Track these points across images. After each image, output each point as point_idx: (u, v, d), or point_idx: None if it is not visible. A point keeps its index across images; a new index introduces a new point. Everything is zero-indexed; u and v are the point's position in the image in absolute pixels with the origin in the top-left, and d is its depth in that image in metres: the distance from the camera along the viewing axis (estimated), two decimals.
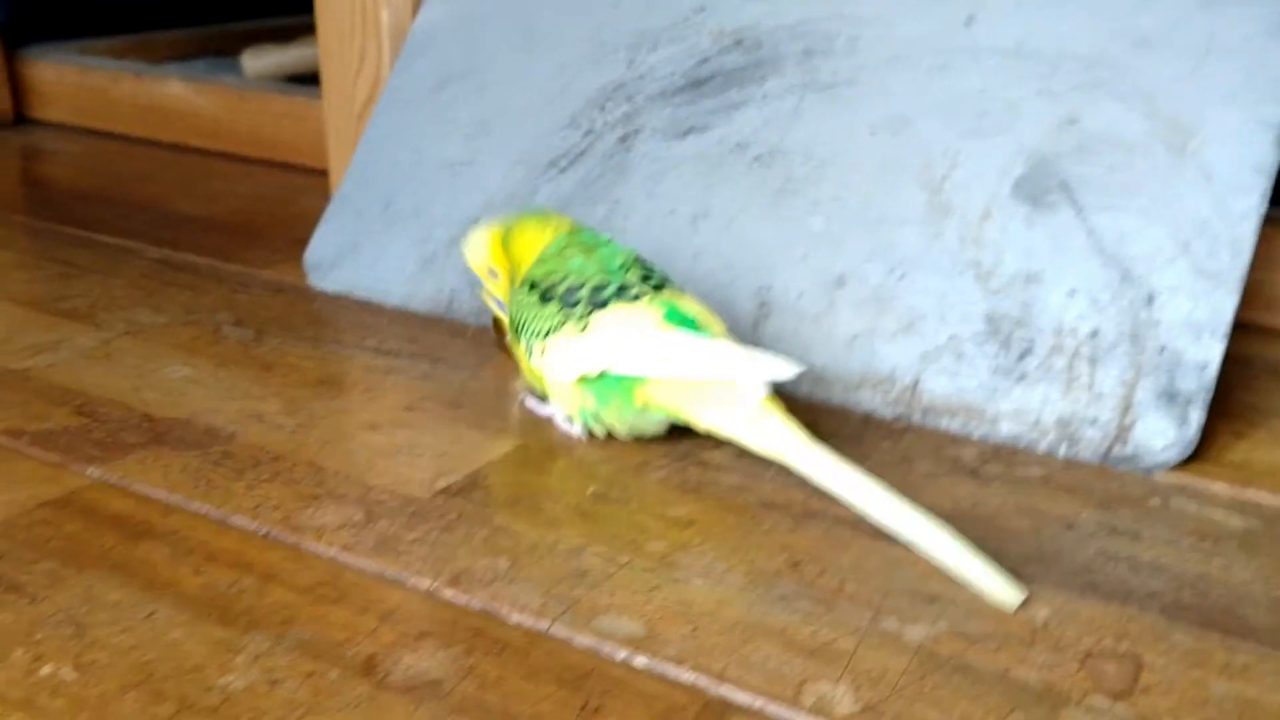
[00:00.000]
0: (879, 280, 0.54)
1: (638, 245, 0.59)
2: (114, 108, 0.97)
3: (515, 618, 0.37)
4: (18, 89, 1.02)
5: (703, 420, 0.45)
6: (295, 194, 0.83)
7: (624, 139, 0.63)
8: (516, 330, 0.49)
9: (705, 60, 0.63)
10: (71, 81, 0.99)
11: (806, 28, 0.61)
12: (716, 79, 0.62)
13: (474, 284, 0.61)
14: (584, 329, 0.46)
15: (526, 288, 0.49)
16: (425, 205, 0.65)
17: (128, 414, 0.50)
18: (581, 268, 0.48)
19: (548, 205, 0.62)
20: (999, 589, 0.38)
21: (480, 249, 0.52)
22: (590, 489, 0.45)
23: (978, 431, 0.49)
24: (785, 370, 0.43)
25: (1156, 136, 0.51)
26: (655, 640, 0.36)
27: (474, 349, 0.57)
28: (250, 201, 0.81)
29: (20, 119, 1.03)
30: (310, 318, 0.61)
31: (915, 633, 0.36)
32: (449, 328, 0.60)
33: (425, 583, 0.38)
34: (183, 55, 1.13)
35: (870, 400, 0.52)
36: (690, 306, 0.46)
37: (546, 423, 0.50)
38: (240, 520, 0.42)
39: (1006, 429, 0.49)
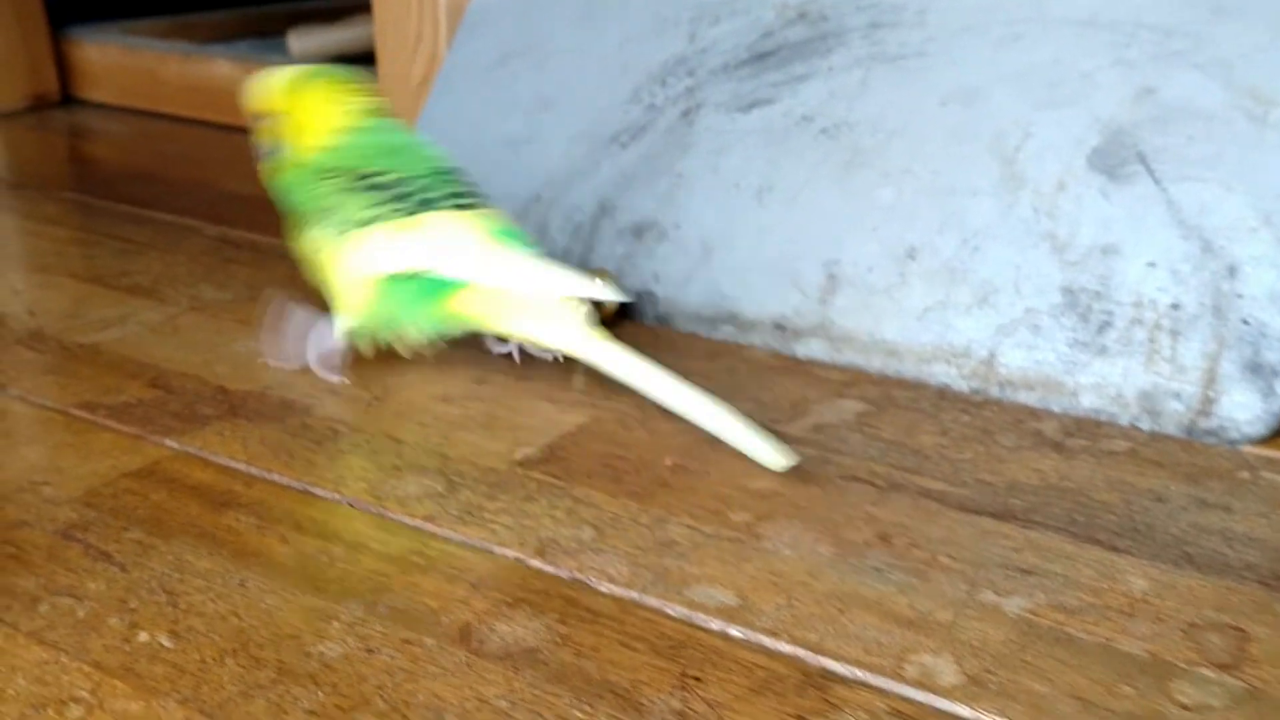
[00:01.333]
0: (951, 252, 0.53)
1: (702, 218, 0.59)
2: (161, 88, 0.97)
3: (605, 587, 0.37)
4: (64, 68, 1.02)
5: (517, 330, 0.47)
6: None
7: (686, 113, 0.62)
8: (308, 215, 0.47)
9: (769, 34, 0.62)
10: (117, 62, 0.99)
11: (872, 0, 0.60)
12: (781, 52, 0.61)
13: None
14: (415, 224, 0.45)
15: (322, 174, 0.47)
16: (485, 183, 0.65)
17: (202, 386, 0.50)
18: (396, 165, 0.47)
19: (611, 181, 0.62)
20: (769, 454, 0.43)
21: (269, 93, 0.51)
22: (668, 460, 0.44)
23: (1058, 405, 0.49)
24: (613, 294, 0.46)
25: (1236, 106, 0.50)
26: (749, 610, 0.35)
27: None
28: None
29: (66, 99, 1.03)
30: None
31: (1013, 604, 0.36)
32: None
33: (512, 552, 0.38)
34: (225, 37, 1.13)
35: (945, 374, 0.51)
36: (517, 227, 0.48)
37: (617, 394, 0.49)
38: (323, 491, 0.42)
39: (1087, 402, 0.48)
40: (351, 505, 0.41)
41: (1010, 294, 0.51)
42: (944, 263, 0.53)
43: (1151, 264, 0.49)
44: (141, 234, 0.69)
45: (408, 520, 0.40)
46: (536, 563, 0.38)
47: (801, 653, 0.34)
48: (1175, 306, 0.48)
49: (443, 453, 0.44)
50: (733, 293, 0.57)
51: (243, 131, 0.94)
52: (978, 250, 0.53)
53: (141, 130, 0.94)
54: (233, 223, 0.71)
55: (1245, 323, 0.47)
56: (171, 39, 1.06)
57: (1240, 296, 0.47)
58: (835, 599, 0.36)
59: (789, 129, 0.59)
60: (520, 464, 0.44)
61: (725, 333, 0.57)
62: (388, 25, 0.72)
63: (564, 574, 0.37)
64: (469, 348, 0.54)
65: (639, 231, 0.60)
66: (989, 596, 0.36)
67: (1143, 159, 0.51)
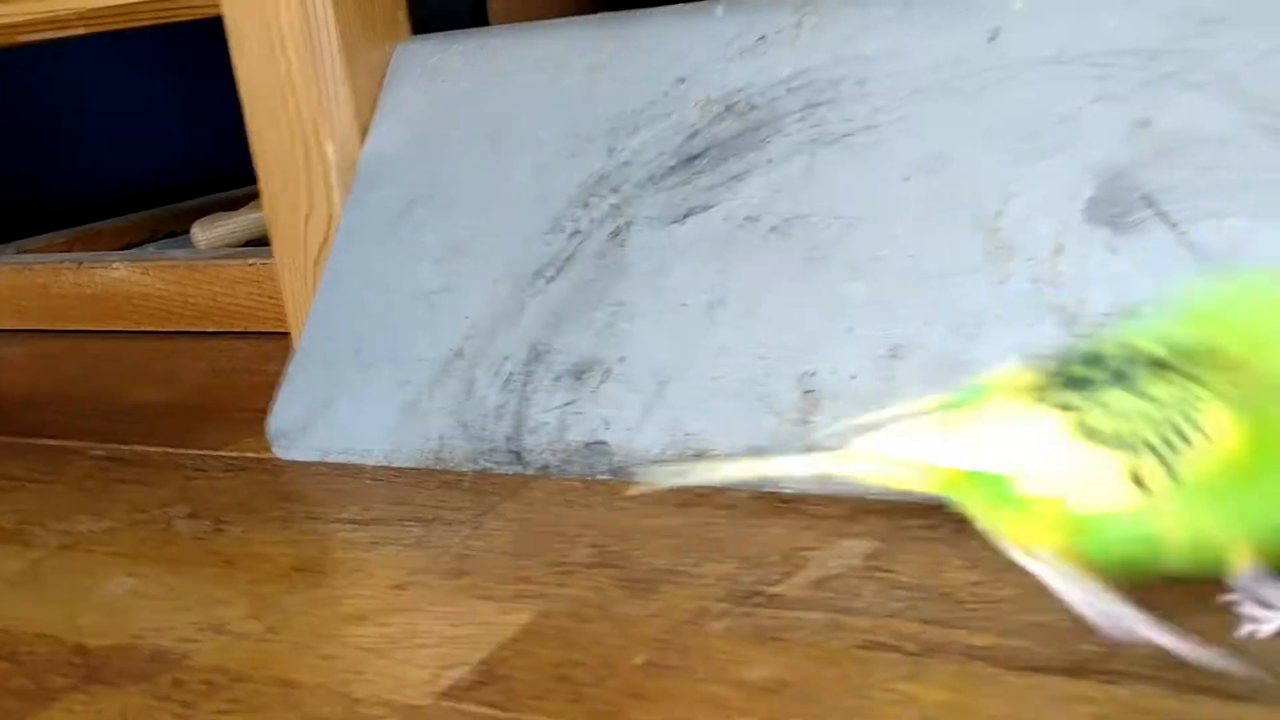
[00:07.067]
0: (944, 344, 0.45)
1: (650, 347, 0.50)
2: (56, 304, 0.89)
3: None
4: None
5: None
6: (259, 362, 0.74)
7: (616, 234, 0.54)
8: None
9: (694, 134, 0.54)
10: (7, 284, 0.91)
11: (804, 79, 0.53)
12: (711, 152, 0.54)
13: (465, 424, 0.52)
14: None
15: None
16: (401, 345, 0.57)
17: (57, 649, 0.40)
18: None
19: (540, 321, 0.53)
20: None
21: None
22: (639, 658, 0.35)
23: None
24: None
25: (1250, 124, 0.43)
26: None
27: (473, 499, 0.47)
28: (210, 378, 0.73)
29: None
30: (279, 495, 0.51)
31: None
32: (440, 480, 0.50)
33: None
34: (132, 242, 1.06)
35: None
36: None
37: (570, 575, 0.40)
38: None
39: None
40: None
41: None
42: (936, 357, 0.45)
43: None
44: (18, 468, 0.60)
45: None
46: None
47: None
48: None
49: (350, 693, 0.34)
50: (697, 428, 0.48)
51: (150, 335, 0.86)
52: (974, 337, 0.44)
53: (38, 352, 0.86)
54: (125, 438, 0.62)
55: None
56: (75, 253, 0.98)
57: None
58: None
59: (733, 233, 0.51)
60: (447, 694, 0.34)
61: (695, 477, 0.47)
62: (275, 193, 0.65)
63: None
64: (387, 546, 0.44)
65: (579, 373, 0.52)
66: None
67: (1150, 201, 0.43)
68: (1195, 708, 0.29)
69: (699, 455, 0.48)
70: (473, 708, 0.33)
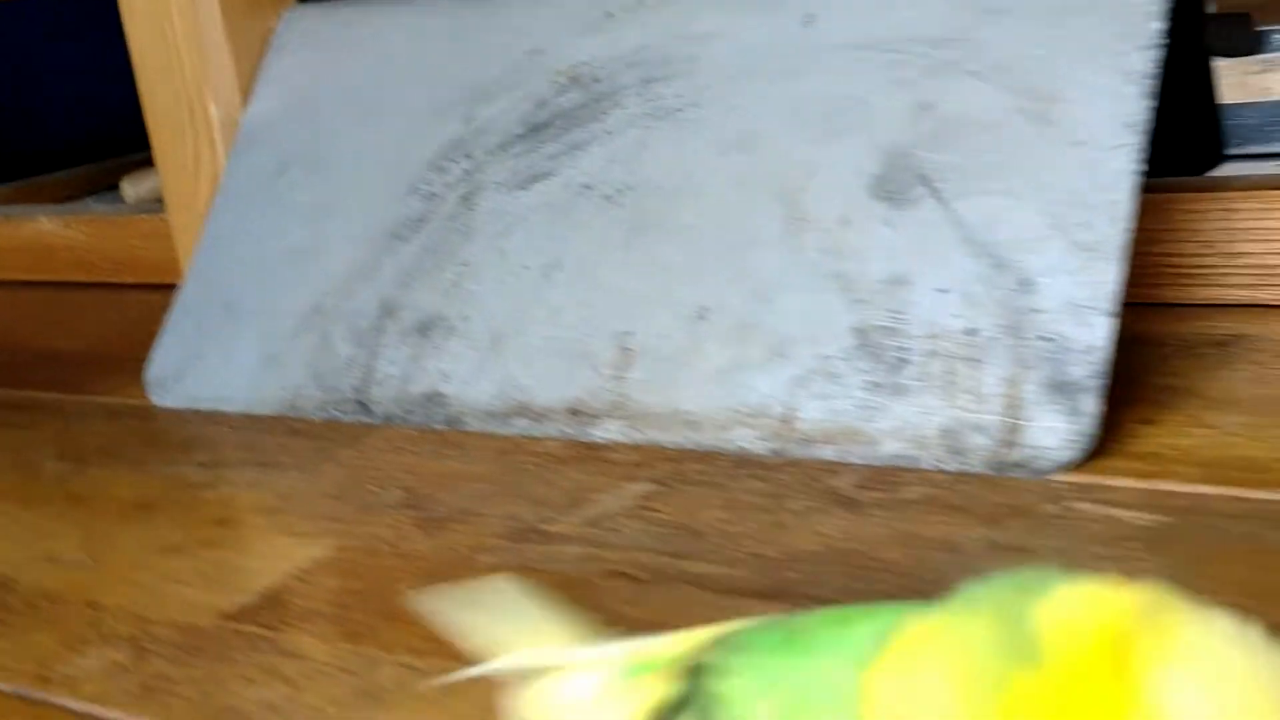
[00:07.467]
0: (742, 307, 0.48)
1: (490, 306, 0.54)
2: None
3: None
4: None
5: None
6: (160, 314, 0.78)
7: (466, 198, 0.58)
8: None
9: (543, 104, 0.58)
10: None
11: (643, 55, 0.56)
12: (557, 122, 0.57)
13: (319, 376, 0.56)
14: None
15: None
16: (268, 300, 0.60)
17: None
18: None
19: (393, 279, 0.57)
20: None
21: None
22: (408, 587, 0.39)
23: (859, 456, 0.43)
24: None
25: (1017, 109, 0.46)
26: None
27: (313, 445, 0.51)
28: (116, 329, 0.76)
29: None
30: (145, 439, 0.55)
31: None
32: (289, 427, 0.54)
33: None
34: (72, 196, 1.09)
35: (744, 438, 0.46)
36: None
37: (375, 515, 0.44)
38: None
39: (889, 449, 0.43)
40: (15, 695, 0.35)
41: (804, 343, 0.46)
42: (736, 319, 0.48)
43: (942, 290, 0.44)
44: None
45: (74, 704, 0.34)
46: None
47: None
48: (970, 332, 0.43)
49: (145, 615, 0.39)
50: (525, 382, 0.52)
51: (72, 286, 0.89)
52: (769, 301, 0.48)
53: None
54: (24, 384, 0.66)
55: (1044, 339, 0.42)
56: (14, 204, 1.02)
57: (1037, 311, 0.42)
58: None
59: (571, 200, 0.55)
60: (231, 616, 0.38)
61: (518, 426, 0.51)
62: (166, 151, 0.68)
63: None
64: (222, 486, 0.48)
65: (425, 329, 0.55)
66: None
67: (924, 179, 0.47)
68: None
69: (522, 408, 0.52)
70: (246, 628, 0.37)
